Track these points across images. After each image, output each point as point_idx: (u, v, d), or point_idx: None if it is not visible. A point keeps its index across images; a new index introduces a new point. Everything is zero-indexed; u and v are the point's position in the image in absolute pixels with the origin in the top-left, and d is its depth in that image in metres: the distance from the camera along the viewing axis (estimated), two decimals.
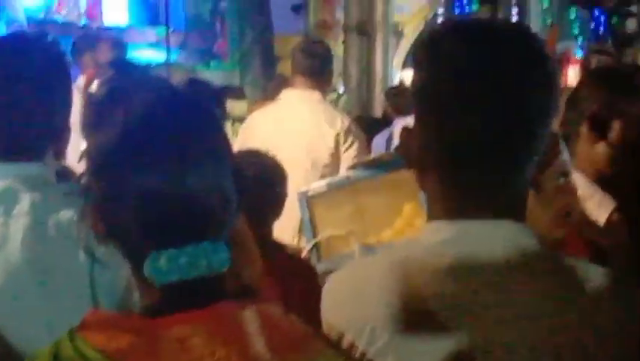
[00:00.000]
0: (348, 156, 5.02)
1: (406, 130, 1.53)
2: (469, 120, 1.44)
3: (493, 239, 1.45)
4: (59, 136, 2.19)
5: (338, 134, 5.03)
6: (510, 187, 1.47)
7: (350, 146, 5.04)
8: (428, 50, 1.51)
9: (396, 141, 5.57)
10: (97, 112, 1.39)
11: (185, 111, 1.41)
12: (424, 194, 1.53)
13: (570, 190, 1.89)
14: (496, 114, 1.44)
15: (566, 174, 1.85)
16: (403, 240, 1.55)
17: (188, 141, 1.36)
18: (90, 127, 1.40)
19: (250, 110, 6.34)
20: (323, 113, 5.09)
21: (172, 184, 1.33)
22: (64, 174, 2.24)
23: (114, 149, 1.36)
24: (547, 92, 1.47)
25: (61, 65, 2.23)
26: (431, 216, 1.52)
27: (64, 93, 2.21)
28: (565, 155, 1.86)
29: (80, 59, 7.29)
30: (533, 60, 1.47)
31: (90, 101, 1.42)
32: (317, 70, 5.16)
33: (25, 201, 2.05)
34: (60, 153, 2.20)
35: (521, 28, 1.55)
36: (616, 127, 2.22)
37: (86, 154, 1.41)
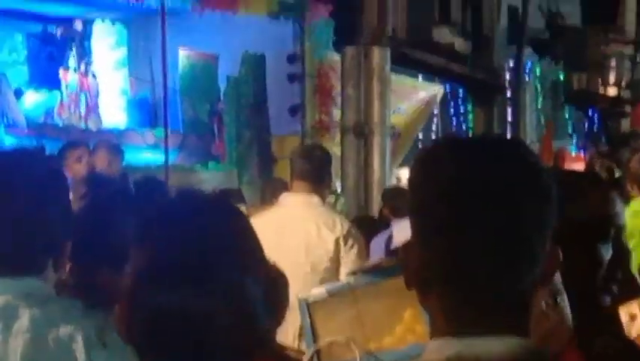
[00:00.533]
0: (348, 260, 5.03)
1: (404, 247, 1.54)
2: (468, 239, 1.44)
3: (497, 356, 1.45)
4: (59, 249, 2.20)
5: (338, 238, 5.04)
6: (512, 302, 1.48)
7: (350, 249, 5.05)
8: (422, 170, 1.53)
9: (396, 243, 5.58)
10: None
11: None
12: (426, 311, 1.53)
13: (559, 312, 1.89)
14: (495, 232, 1.45)
15: (557, 294, 1.86)
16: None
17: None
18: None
19: (249, 214, 6.35)
20: (322, 217, 5.11)
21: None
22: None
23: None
24: (544, 206, 1.48)
25: (59, 179, 2.25)
26: (434, 333, 1.51)
27: (63, 207, 2.22)
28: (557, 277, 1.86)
29: (67, 164, 7.31)
30: (528, 176, 1.48)
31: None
32: (315, 174, 5.20)
33: (24, 317, 2.05)
34: (60, 266, 2.21)
35: (515, 144, 1.57)
36: None
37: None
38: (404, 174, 14.66)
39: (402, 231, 4.77)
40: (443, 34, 11.06)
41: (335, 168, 12.34)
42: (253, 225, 4.90)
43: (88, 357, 2.01)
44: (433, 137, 16.36)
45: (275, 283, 1.59)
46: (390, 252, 5.85)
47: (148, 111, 15.01)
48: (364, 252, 5.29)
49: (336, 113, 12.89)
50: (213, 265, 1.49)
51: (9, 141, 11.88)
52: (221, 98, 14.03)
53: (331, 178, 5.48)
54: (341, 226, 5.11)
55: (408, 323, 3.66)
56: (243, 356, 1.52)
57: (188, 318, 1.46)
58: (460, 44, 11.47)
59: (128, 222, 2.93)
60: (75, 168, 7.35)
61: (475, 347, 1.46)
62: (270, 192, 7.48)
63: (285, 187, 6.03)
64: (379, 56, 9.40)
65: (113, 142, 9.30)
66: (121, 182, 3.18)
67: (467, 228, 1.44)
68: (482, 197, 1.45)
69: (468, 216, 1.45)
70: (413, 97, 13.96)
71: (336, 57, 12.82)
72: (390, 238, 7.35)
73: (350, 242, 5.09)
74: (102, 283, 2.58)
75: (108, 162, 7.89)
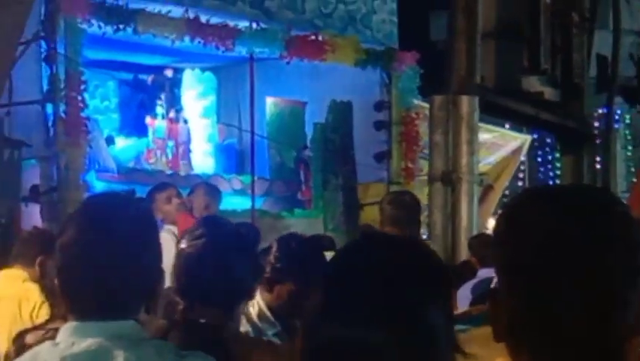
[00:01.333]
0: None
1: (492, 299, 1.54)
2: (561, 291, 1.45)
3: None
4: (151, 294, 2.22)
5: None
6: (606, 352, 1.46)
7: None
8: (512, 222, 1.53)
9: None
10: None
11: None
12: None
13: None
14: (587, 283, 1.45)
15: None
16: None
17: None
18: None
19: None
20: None
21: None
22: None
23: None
24: (636, 255, 1.48)
25: (152, 223, 2.29)
26: None
27: (155, 251, 2.25)
28: None
29: (156, 206, 7.43)
30: (619, 226, 1.48)
31: None
32: (405, 221, 5.22)
33: (118, 359, 2.07)
34: (152, 309, 2.23)
35: (605, 194, 1.57)
36: None
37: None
38: (490, 223, 14.59)
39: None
40: (532, 83, 11.02)
41: (423, 215, 12.38)
42: None
43: None
44: (520, 184, 16.26)
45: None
46: (476, 300, 5.81)
47: (235, 157, 15.16)
48: (454, 296, 5.27)
49: (422, 161, 12.90)
50: (401, 298, 1.48)
51: (99, 186, 12.08)
52: (308, 144, 14.12)
53: (420, 225, 5.48)
54: None
55: None
56: None
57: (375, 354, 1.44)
58: (549, 93, 11.41)
59: (245, 264, 2.99)
60: (165, 210, 7.47)
61: None
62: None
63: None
64: (468, 104, 9.40)
65: (212, 184, 9.43)
66: (237, 226, 3.23)
67: (560, 280, 1.45)
68: (574, 249, 1.45)
69: (560, 268, 1.45)
70: (502, 148, 13.91)
71: (422, 105, 12.86)
72: (475, 287, 7.30)
73: None
74: (213, 322, 2.62)
75: (206, 204, 8.01)
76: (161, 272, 2.27)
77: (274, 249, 4.01)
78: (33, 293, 5.14)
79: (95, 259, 2.13)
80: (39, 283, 5.26)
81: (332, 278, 1.53)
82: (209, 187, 8.74)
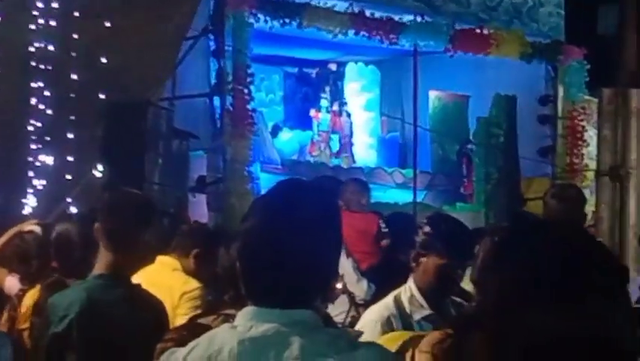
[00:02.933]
0: None
1: None
2: None
3: None
4: (327, 283, 2.24)
5: None
6: None
7: None
8: None
9: None
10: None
11: None
12: None
13: None
14: None
15: None
16: None
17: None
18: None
19: None
20: None
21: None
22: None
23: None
24: None
25: (336, 215, 2.28)
26: None
27: (336, 243, 2.25)
28: None
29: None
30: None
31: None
32: (570, 215, 5.12)
33: (294, 345, 2.08)
34: (327, 299, 2.24)
35: None
36: None
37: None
38: None
39: None
40: None
41: (587, 211, 12.14)
42: None
43: None
44: None
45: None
46: None
47: (398, 151, 15.18)
48: None
49: (587, 156, 12.63)
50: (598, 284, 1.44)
51: (264, 178, 12.28)
52: (471, 138, 14.01)
53: (586, 219, 5.37)
54: None
55: None
56: None
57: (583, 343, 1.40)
58: None
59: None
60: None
61: None
62: None
63: None
64: (638, 98, 9.15)
65: (361, 179, 9.51)
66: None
67: None
68: None
69: None
70: None
71: (588, 98, 12.60)
72: None
73: None
74: None
75: (358, 199, 8.07)
76: (337, 264, 2.27)
77: (424, 223, 4.05)
78: (178, 283, 5.25)
79: (278, 246, 2.14)
80: (192, 274, 5.38)
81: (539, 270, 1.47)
82: (358, 182, 8.80)
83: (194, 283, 5.28)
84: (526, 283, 1.44)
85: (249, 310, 2.17)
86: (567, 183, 6.24)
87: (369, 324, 3.93)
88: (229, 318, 3.35)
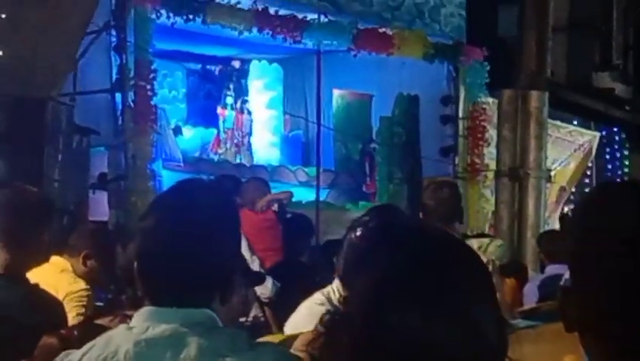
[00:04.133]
0: None
1: (563, 292, 1.54)
2: (633, 290, 1.45)
3: None
4: (227, 284, 2.23)
5: None
6: None
7: None
8: (594, 217, 1.53)
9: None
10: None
11: None
12: (587, 354, 1.52)
13: None
14: None
15: None
16: None
17: None
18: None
19: None
20: None
21: None
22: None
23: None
24: None
25: (234, 214, 2.29)
26: None
27: (235, 243, 2.26)
28: None
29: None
30: None
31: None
32: (445, 215, 5.24)
33: (192, 345, 2.08)
34: (227, 300, 2.24)
35: None
36: None
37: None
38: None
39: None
40: (603, 79, 10.89)
41: (487, 210, 12.32)
42: None
43: None
44: (587, 181, 16.09)
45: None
46: (545, 297, 5.76)
47: (301, 149, 15.21)
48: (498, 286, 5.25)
49: (488, 156, 12.81)
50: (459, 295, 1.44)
51: (166, 175, 12.19)
52: (374, 137, 14.11)
53: (462, 214, 5.50)
54: None
55: None
56: None
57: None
58: (620, 89, 11.27)
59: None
60: None
61: None
62: None
63: None
64: (537, 99, 9.31)
65: (262, 178, 9.50)
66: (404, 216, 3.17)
67: (633, 278, 1.45)
68: None
69: (634, 267, 1.45)
70: (571, 145, 13.80)
71: (489, 100, 12.77)
72: (543, 284, 7.25)
73: None
74: None
75: (259, 196, 8.07)
76: (236, 264, 2.28)
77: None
78: (64, 284, 5.18)
79: (175, 246, 2.15)
80: (82, 276, 5.32)
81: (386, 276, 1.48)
82: (259, 181, 8.81)
83: (80, 285, 5.21)
84: (388, 285, 1.45)
85: (145, 310, 2.16)
86: (442, 181, 6.33)
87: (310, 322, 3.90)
88: (126, 319, 3.31)
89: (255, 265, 6.75)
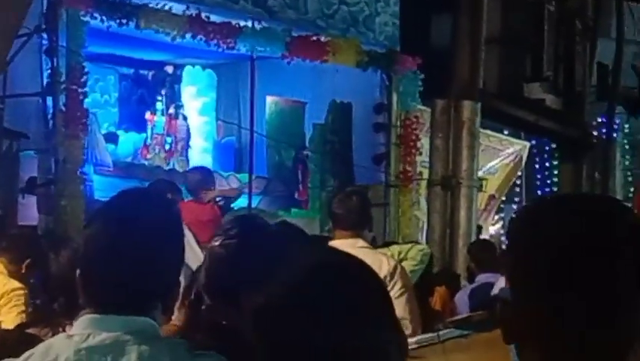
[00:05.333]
0: (393, 297, 5.01)
1: (502, 304, 1.57)
2: (575, 297, 1.48)
3: None
4: (169, 293, 2.23)
5: (385, 277, 5.04)
6: (613, 355, 1.49)
7: (394, 285, 5.06)
8: (527, 231, 1.55)
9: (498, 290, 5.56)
10: None
11: None
12: None
13: None
14: (601, 289, 1.48)
15: None
16: None
17: None
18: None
19: None
20: (368, 257, 5.11)
21: None
22: None
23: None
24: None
25: (177, 224, 2.29)
26: None
27: (176, 252, 2.26)
28: None
29: None
30: (631, 234, 1.51)
31: None
32: (354, 223, 5.32)
33: (132, 354, 2.08)
34: (168, 308, 2.24)
35: (616, 203, 1.61)
36: None
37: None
38: (494, 230, 14.67)
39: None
40: (534, 90, 11.02)
41: (419, 219, 12.39)
42: None
43: None
44: (517, 190, 16.27)
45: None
46: (477, 307, 5.81)
47: (233, 155, 15.15)
48: (411, 290, 5.29)
49: (421, 164, 12.90)
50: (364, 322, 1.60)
51: (97, 180, 12.08)
52: (307, 144, 14.12)
53: (371, 221, 5.59)
54: (388, 264, 5.20)
55: None
56: None
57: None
58: (551, 100, 11.41)
59: (275, 266, 2.97)
60: None
61: None
62: None
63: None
64: (470, 109, 9.39)
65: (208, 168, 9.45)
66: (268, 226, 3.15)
67: (575, 286, 1.48)
68: (589, 257, 1.48)
69: (576, 275, 1.48)
70: (501, 154, 13.97)
71: (422, 108, 12.86)
72: (473, 292, 7.31)
73: (395, 278, 5.13)
74: (232, 325, 2.62)
75: (201, 186, 8.04)
76: (178, 273, 2.27)
77: None
78: None
79: (117, 254, 2.15)
80: (20, 281, 5.27)
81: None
82: (204, 171, 8.75)
83: (14, 283, 5.18)
84: (279, 296, 1.60)
85: (86, 318, 2.16)
86: (351, 190, 6.39)
87: None
88: (59, 328, 3.27)
89: (201, 257, 6.71)
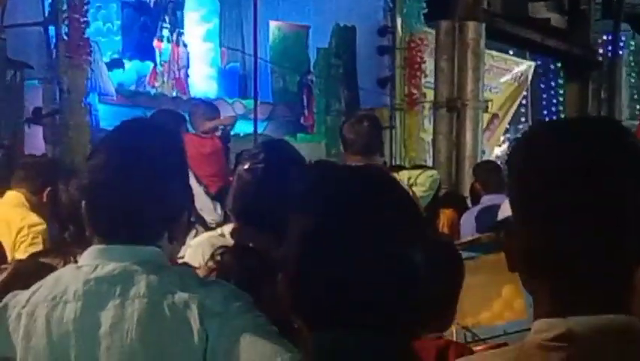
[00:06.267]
0: None
1: (507, 232, 1.56)
2: (577, 223, 1.47)
3: (607, 335, 1.47)
4: (175, 222, 2.24)
5: None
6: (616, 281, 1.49)
7: None
8: (527, 157, 1.55)
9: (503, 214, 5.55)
10: None
11: None
12: (530, 292, 1.54)
13: None
14: (602, 215, 1.47)
15: None
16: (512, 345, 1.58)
17: None
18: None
19: None
20: None
21: None
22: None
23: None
24: None
25: (181, 152, 2.29)
26: (539, 313, 1.53)
27: (183, 180, 2.27)
28: None
29: None
30: (630, 157, 1.51)
31: None
32: (365, 148, 5.27)
33: (141, 283, 2.10)
34: (175, 238, 2.25)
35: (616, 126, 1.58)
36: None
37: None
38: (500, 151, 14.67)
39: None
40: (539, 9, 10.93)
41: (425, 141, 12.39)
42: None
43: (201, 325, 2.05)
44: (523, 111, 16.23)
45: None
46: (484, 228, 5.82)
47: (238, 82, 15.11)
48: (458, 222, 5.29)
49: (426, 86, 12.85)
50: (381, 235, 1.56)
51: (102, 109, 12.07)
52: (311, 69, 14.07)
53: (381, 146, 5.53)
54: None
55: (506, 299, 3.65)
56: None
57: (365, 288, 1.53)
58: (555, 19, 11.32)
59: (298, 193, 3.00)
60: None
61: (584, 324, 1.48)
62: None
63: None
64: (474, 30, 9.31)
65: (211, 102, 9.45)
66: (295, 152, 3.20)
67: (576, 213, 1.47)
68: (588, 182, 1.47)
69: (576, 201, 1.47)
70: (506, 73, 13.89)
71: (426, 30, 12.77)
72: (479, 214, 7.32)
73: None
74: (265, 247, 2.65)
75: (206, 119, 8.03)
76: (184, 202, 2.29)
77: None
78: (15, 220, 5.13)
79: (123, 184, 2.16)
80: (39, 211, 5.24)
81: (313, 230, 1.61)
82: (208, 105, 8.73)
83: (34, 218, 5.16)
84: (320, 230, 1.58)
85: (94, 249, 2.17)
86: (361, 114, 6.34)
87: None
88: (70, 257, 3.29)
89: (201, 193, 6.73)
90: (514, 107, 14.68)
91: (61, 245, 3.44)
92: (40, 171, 5.45)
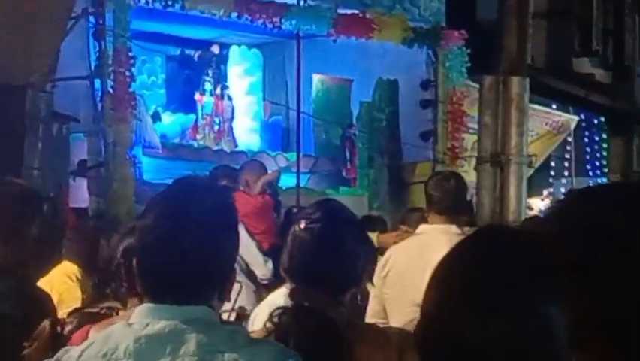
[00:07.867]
0: None
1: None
2: (616, 289, 1.42)
3: None
4: (225, 281, 2.25)
5: None
6: None
7: None
8: (553, 220, 1.52)
9: None
10: None
11: None
12: None
13: None
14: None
15: None
16: None
17: None
18: None
19: (380, 240, 6.34)
20: None
21: None
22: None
23: None
24: None
25: (232, 211, 2.30)
26: None
27: (232, 240, 2.27)
28: None
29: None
30: None
31: None
32: (450, 207, 5.17)
33: (191, 342, 2.10)
34: (224, 297, 2.25)
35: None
36: None
37: None
38: (534, 203, 14.53)
39: None
40: (583, 65, 10.90)
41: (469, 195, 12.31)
42: (394, 252, 4.81)
43: None
44: (566, 165, 16.14)
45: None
46: None
47: (281, 135, 15.19)
48: None
49: (468, 140, 12.82)
50: (521, 292, 1.43)
51: (146, 162, 12.17)
52: (354, 122, 14.11)
53: (467, 204, 5.44)
54: None
55: None
56: None
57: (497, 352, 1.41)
58: (600, 74, 11.29)
59: (359, 250, 3.02)
60: None
61: None
62: (408, 222, 7.50)
63: (422, 217, 5.99)
64: (518, 85, 9.27)
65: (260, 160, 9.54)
66: (349, 211, 3.23)
67: (613, 277, 1.42)
68: (624, 246, 1.43)
69: (613, 265, 1.42)
70: (546, 121, 13.79)
71: (469, 84, 12.78)
72: None
73: None
74: (321, 306, 2.64)
75: (256, 178, 8.10)
76: (233, 261, 2.30)
77: None
78: (60, 287, 5.19)
79: (174, 244, 2.17)
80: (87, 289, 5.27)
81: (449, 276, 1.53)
82: (257, 163, 8.80)
83: (77, 292, 5.21)
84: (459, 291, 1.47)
85: (145, 307, 2.19)
86: (447, 172, 6.26)
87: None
88: (113, 311, 3.31)
89: (253, 248, 6.75)
90: (547, 153, 14.54)
91: (102, 299, 3.45)
92: (92, 247, 5.47)
